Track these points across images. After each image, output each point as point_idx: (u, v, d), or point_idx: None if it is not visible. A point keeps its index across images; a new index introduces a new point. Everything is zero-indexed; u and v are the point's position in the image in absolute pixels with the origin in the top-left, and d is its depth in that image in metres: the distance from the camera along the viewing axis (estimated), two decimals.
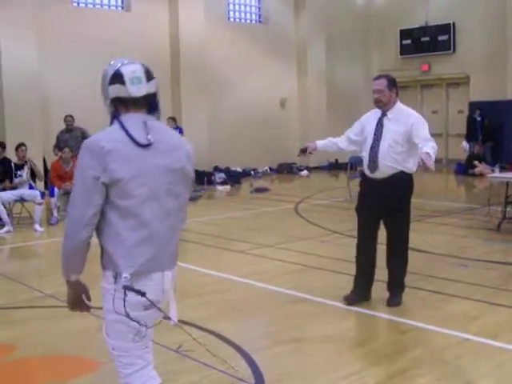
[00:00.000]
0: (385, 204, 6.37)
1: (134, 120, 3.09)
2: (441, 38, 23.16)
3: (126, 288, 3.02)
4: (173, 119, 16.89)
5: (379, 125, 6.41)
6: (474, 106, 21.70)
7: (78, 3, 18.28)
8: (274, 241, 10.00)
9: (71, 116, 14.28)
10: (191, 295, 7.00)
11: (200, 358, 5.10)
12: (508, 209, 10.67)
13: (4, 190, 11.98)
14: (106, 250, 3.10)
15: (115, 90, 3.09)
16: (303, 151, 6.74)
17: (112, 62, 3.18)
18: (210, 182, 18.43)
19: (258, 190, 16.94)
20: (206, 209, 14.41)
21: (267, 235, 10.63)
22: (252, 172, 20.78)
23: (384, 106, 6.40)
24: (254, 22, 22.72)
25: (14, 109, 15.68)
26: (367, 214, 6.53)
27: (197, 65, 19.64)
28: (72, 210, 3.02)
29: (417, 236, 9.35)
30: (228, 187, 17.81)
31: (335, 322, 6.19)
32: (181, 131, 17.17)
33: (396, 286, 6.58)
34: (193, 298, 6.89)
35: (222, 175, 18.61)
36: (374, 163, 6.37)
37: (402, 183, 6.39)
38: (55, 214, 12.46)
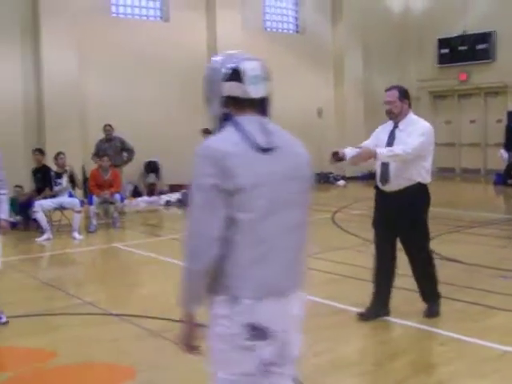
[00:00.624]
0: (399, 217, 6.25)
1: (251, 122, 2.73)
2: (479, 46, 22.94)
3: (250, 326, 2.68)
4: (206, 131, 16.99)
5: (391, 137, 6.34)
6: None
7: (118, 13, 18.51)
8: (310, 250, 9.96)
9: (110, 125, 14.47)
10: None
11: None
12: None
13: (44, 197, 12.18)
14: (219, 270, 2.70)
15: (231, 88, 2.72)
16: (334, 155, 6.42)
17: (221, 57, 2.83)
18: None
19: None
20: None
21: None
22: None
23: (396, 117, 6.34)
24: (290, 31, 22.76)
25: (54, 117, 15.92)
26: (384, 228, 6.44)
27: None
28: (194, 226, 2.64)
29: (455, 246, 9.30)
30: None
31: (372, 333, 6.18)
32: None
33: (430, 296, 6.52)
34: None
35: None
36: (385, 176, 6.30)
37: (416, 195, 6.29)
38: (94, 221, 12.61)
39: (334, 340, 5.92)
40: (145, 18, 19.11)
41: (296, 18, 22.72)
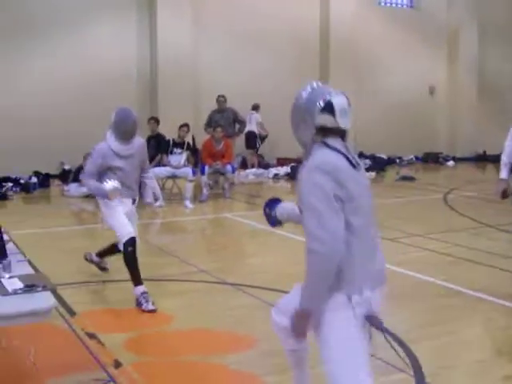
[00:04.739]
0: None
1: (339, 144, 3.14)
2: None
3: (367, 316, 3.11)
4: None
5: None
6: None
7: None
8: (423, 230, 9.76)
9: (223, 96, 14.57)
10: None
11: None
12: None
13: (158, 165, 12.42)
14: (341, 269, 3.03)
15: (324, 120, 3.10)
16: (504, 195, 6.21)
17: (311, 89, 3.18)
18: None
19: (404, 178, 16.65)
20: None
21: (416, 224, 10.38)
22: (397, 160, 20.47)
23: None
24: (405, 6, 22.22)
25: (167, 87, 16.18)
26: None
27: (346, 49, 19.48)
28: (322, 229, 2.92)
29: None
30: (373, 174, 17.58)
31: (494, 317, 5.96)
32: None
33: None
34: None
35: (368, 161, 18.40)
36: None
37: None
38: (205, 191, 12.78)
39: (455, 322, 5.76)
40: None
41: None
